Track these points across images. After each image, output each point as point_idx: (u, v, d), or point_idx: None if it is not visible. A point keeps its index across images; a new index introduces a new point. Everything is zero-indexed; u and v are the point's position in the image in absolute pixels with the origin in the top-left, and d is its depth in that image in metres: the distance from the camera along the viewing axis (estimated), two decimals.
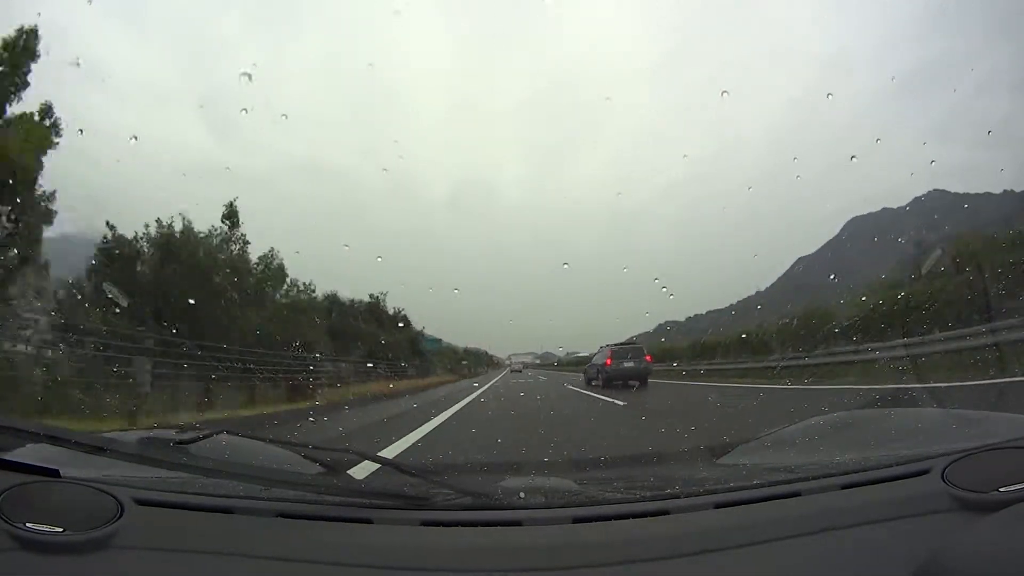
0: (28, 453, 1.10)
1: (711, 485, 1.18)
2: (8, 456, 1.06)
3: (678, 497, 1.10)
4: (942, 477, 0.99)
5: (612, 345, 13.02)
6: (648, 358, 12.84)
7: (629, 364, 12.30)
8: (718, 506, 1.03)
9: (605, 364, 12.54)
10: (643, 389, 11.08)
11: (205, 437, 1.22)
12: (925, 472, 1.03)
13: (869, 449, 1.35)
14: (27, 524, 0.88)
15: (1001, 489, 0.92)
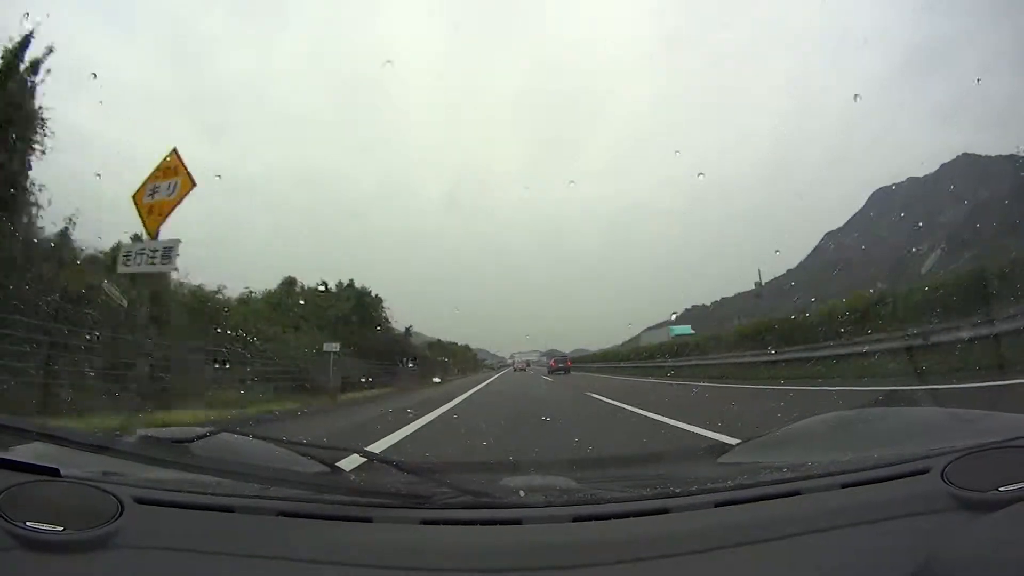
0: (28, 452, 1.11)
1: (711, 484, 1.18)
2: (7, 455, 1.06)
3: (678, 496, 1.10)
4: (942, 477, 0.99)
5: (555, 357, 29.29)
6: (568, 363, 28.19)
7: (561, 365, 27.20)
8: (718, 505, 1.03)
9: (551, 364, 28.06)
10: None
11: (205, 436, 1.22)
12: (925, 472, 1.03)
13: (869, 449, 1.34)
14: (26, 523, 0.88)
15: (1001, 488, 0.92)
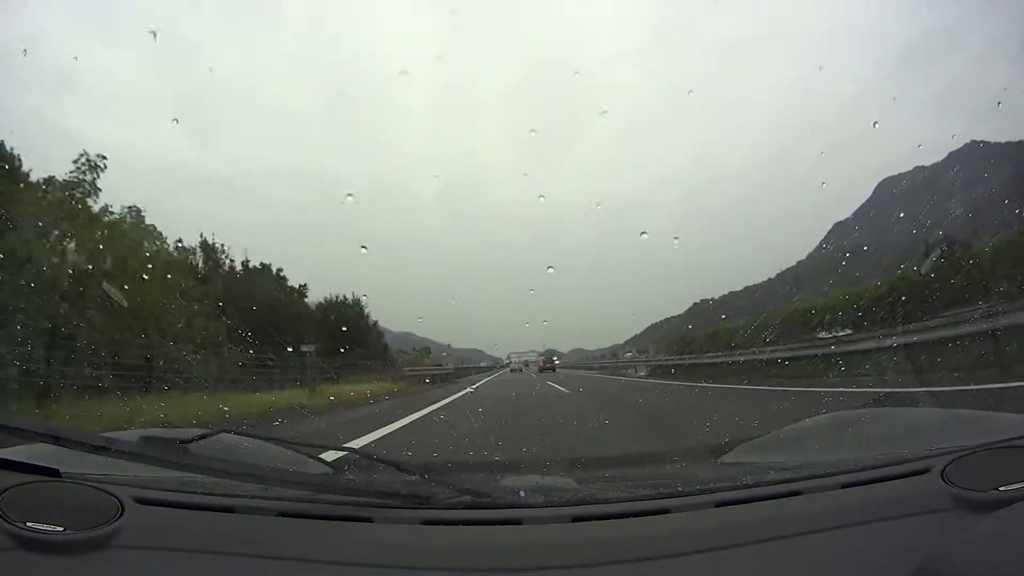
0: (28, 452, 1.10)
1: (712, 484, 1.18)
2: (8, 455, 1.06)
3: (678, 496, 1.10)
4: (942, 476, 0.99)
5: (543, 356, 30.67)
6: (556, 362, 30.03)
7: (549, 364, 28.97)
8: (718, 505, 1.03)
9: (540, 364, 29.58)
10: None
11: (205, 436, 1.21)
12: (925, 471, 1.03)
13: (869, 449, 1.35)
14: (27, 523, 0.88)
15: (1001, 488, 0.92)
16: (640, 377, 18.35)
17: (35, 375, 7.17)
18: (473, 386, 14.76)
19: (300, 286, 16.89)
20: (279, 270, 16.86)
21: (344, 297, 18.36)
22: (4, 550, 0.85)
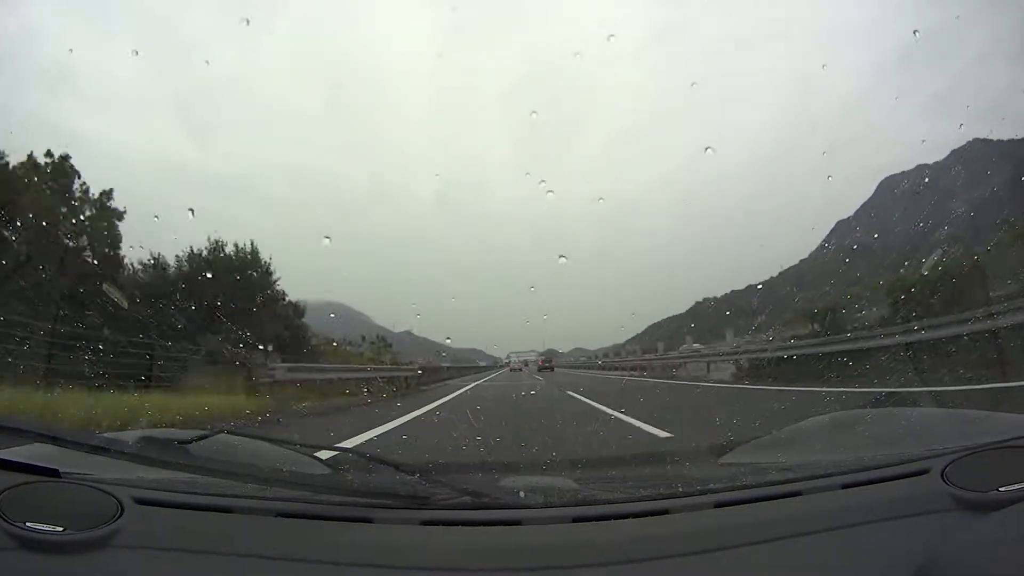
0: (28, 452, 1.11)
1: (712, 484, 1.18)
2: (8, 455, 1.06)
3: (678, 496, 1.10)
4: (942, 477, 0.99)
5: (541, 356, 31.14)
6: (552, 362, 30.29)
7: (548, 363, 29.57)
8: (718, 505, 1.03)
9: (539, 363, 30.01)
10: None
11: (205, 437, 1.21)
12: (925, 472, 1.03)
13: (869, 449, 1.34)
14: (27, 523, 0.88)
15: (1001, 488, 0.92)
16: (728, 382, 11.96)
17: None
18: (430, 405, 8.34)
19: (102, 192, 10.54)
20: (65, 158, 10.28)
21: (236, 246, 11.33)
22: (4, 550, 0.85)
